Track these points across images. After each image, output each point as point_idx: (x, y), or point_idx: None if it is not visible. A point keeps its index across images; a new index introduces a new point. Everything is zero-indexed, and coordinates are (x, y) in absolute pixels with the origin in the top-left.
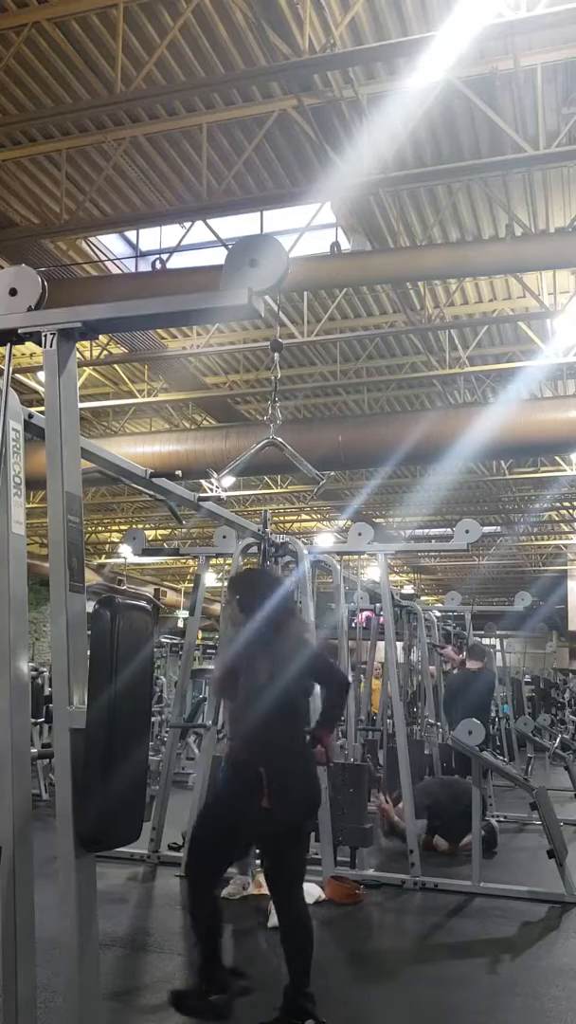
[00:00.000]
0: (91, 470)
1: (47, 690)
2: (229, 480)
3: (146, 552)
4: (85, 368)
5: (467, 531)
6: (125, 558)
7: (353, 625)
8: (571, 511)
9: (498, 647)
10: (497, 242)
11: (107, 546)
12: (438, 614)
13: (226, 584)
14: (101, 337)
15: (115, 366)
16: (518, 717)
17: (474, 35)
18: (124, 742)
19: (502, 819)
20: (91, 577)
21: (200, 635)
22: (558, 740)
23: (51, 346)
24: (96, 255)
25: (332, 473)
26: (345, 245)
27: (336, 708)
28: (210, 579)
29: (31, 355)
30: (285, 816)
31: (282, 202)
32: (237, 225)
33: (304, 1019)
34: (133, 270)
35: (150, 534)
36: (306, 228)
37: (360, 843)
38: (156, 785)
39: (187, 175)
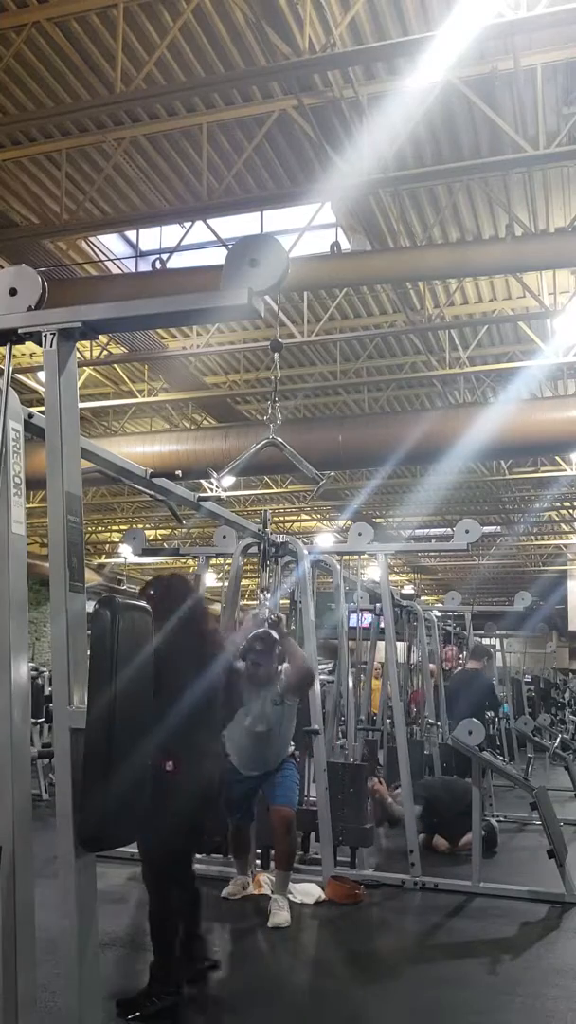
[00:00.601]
0: (91, 470)
1: (47, 690)
2: (229, 480)
3: (146, 552)
4: (85, 368)
5: (467, 531)
6: (125, 558)
7: (352, 625)
8: (571, 511)
9: (498, 647)
10: (497, 242)
11: (107, 546)
12: (438, 614)
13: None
14: (101, 337)
15: (115, 366)
16: (518, 717)
17: (474, 35)
18: (124, 742)
19: (502, 819)
20: (91, 577)
21: None
22: (558, 740)
23: (51, 346)
24: (96, 255)
25: (332, 473)
26: (345, 245)
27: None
28: (210, 579)
29: (31, 355)
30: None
31: (282, 202)
32: (237, 225)
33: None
34: (133, 270)
35: (150, 534)
36: (306, 228)
37: (360, 843)
38: None
39: (187, 175)
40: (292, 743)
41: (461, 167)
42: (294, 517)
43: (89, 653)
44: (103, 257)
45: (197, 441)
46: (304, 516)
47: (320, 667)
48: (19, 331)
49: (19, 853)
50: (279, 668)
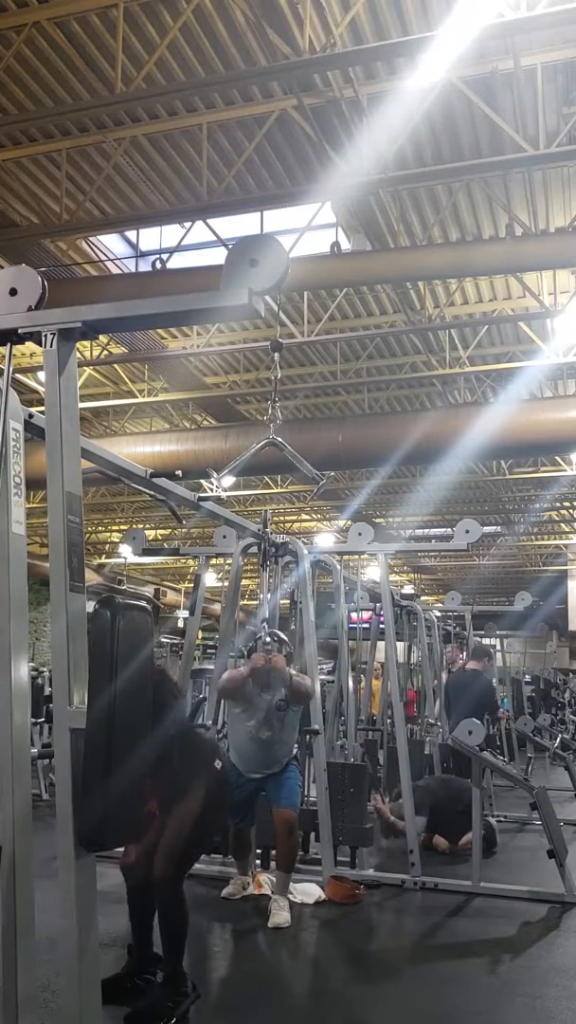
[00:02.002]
0: (91, 470)
1: (47, 690)
2: (229, 480)
3: (146, 552)
4: (85, 368)
5: (467, 531)
6: (125, 558)
7: (352, 625)
8: (571, 511)
9: (498, 647)
10: (497, 242)
11: (107, 546)
12: (438, 614)
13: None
14: (101, 337)
15: (115, 366)
16: (518, 717)
17: (474, 35)
18: (124, 742)
19: (502, 819)
20: (91, 577)
21: (200, 635)
22: (558, 740)
23: (51, 346)
24: (96, 255)
25: (332, 473)
26: (345, 245)
27: None
28: (210, 579)
29: (31, 355)
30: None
31: (282, 202)
32: (237, 225)
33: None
34: (133, 270)
35: (150, 534)
36: (306, 228)
37: (360, 843)
38: None
39: (187, 175)
40: (295, 746)
41: (461, 167)
42: (294, 517)
43: (89, 653)
44: (103, 257)
45: (197, 441)
46: (304, 516)
47: (320, 667)
48: (19, 331)
49: (19, 853)
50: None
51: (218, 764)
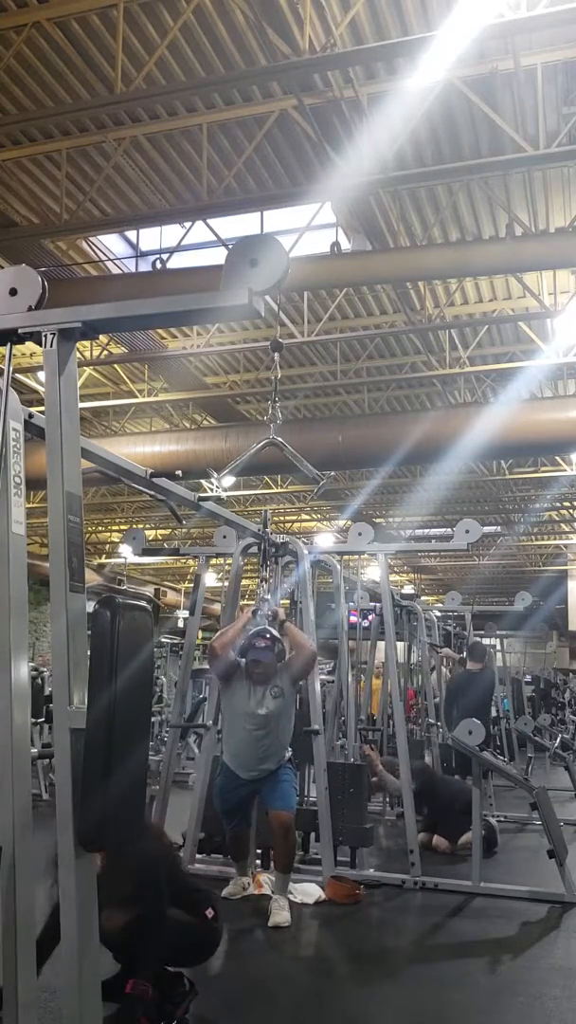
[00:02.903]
0: (91, 470)
1: (47, 690)
2: (229, 480)
3: (146, 552)
4: (85, 368)
5: (467, 531)
6: (125, 558)
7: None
8: (571, 511)
9: (498, 647)
10: (497, 242)
11: (107, 546)
12: (438, 614)
13: None
14: (101, 337)
15: (115, 366)
16: (518, 717)
17: (474, 35)
18: (124, 742)
19: (502, 819)
20: (91, 577)
21: (200, 635)
22: (558, 740)
23: (51, 346)
24: (96, 255)
25: (332, 473)
26: (345, 245)
27: None
28: (210, 579)
29: (31, 355)
30: None
31: (282, 202)
32: (237, 225)
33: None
34: (133, 270)
35: (150, 534)
36: (306, 228)
37: (360, 843)
38: (156, 785)
39: (187, 175)
40: (290, 749)
41: (461, 167)
42: (294, 517)
43: (89, 653)
44: (103, 257)
45: (197, 441)
46: (304, 516)
47: (320, 667)
48: (19, 331)
49: (19, 853)
50: (279, 665)
51: (209, 912)
